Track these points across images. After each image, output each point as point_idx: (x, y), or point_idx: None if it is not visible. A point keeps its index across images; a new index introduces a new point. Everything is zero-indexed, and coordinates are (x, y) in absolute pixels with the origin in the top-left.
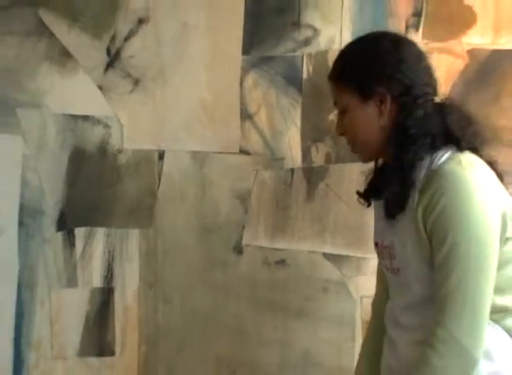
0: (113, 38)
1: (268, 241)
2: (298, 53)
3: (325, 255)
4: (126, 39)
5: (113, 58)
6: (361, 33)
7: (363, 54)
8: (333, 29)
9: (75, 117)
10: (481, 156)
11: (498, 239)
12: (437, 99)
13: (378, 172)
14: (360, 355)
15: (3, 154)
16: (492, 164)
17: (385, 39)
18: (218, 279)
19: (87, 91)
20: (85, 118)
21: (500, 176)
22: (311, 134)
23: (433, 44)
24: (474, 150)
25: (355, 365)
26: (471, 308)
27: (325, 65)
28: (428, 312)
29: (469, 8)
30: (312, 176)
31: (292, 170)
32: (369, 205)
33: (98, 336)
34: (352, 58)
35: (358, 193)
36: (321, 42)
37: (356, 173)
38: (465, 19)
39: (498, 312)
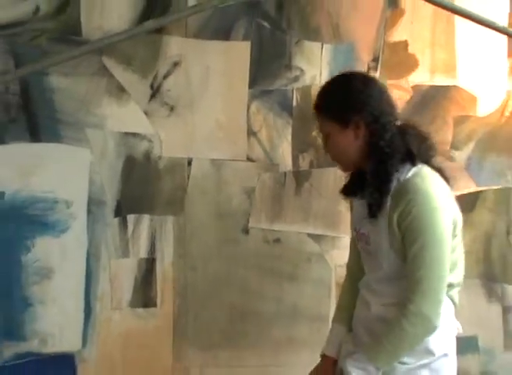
0: (155, 77)
1: (268, 224)
2: (289, 87)
3: (309, 235)
4: (165, 77)
5: (155, 92)
6: (336, 74)
7: (339, 92)
8: (315, 70)
9: (127, 134)
10: (433, 165)
11: (451, 238)
12: (398, 122)
13: (353, 178)
14: (338, 304)
15: (75, 161)
16: (441, 170)
17: (356, 79)
18: (231, 252)
19: (136, 115)
20: (135, 135)
21: (447, 179)
22: (299, 147)
23: (387, 82)
24: (428, 162)
25: (331, 314)
26: (435, 290)
27: (310, 96)
28: (395, 283)
29: (413, 56)
30: (299, 177)
31: (285, 173)
32: (346, 199)
33: (144, 293)
34: (331, 95)
35: (341, 192)
36: (307, 79)
37: (332, 176)
38: (410, 64)
39: (447, 287)
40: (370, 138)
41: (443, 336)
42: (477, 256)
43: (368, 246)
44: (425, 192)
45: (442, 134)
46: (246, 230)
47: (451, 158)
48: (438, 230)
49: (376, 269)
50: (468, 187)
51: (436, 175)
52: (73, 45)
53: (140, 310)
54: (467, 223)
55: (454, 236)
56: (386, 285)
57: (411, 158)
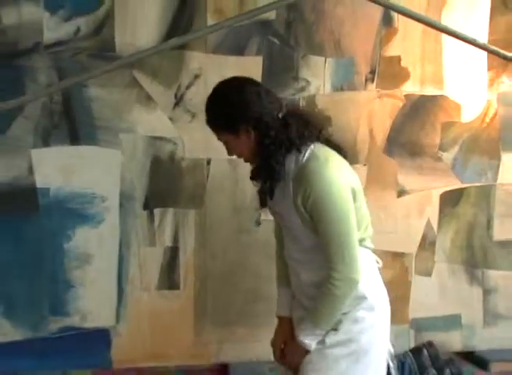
0: (178, 88)
1: None
2: (297, 96)
3: None
4: (187, 88)
5: (178, 100)
6: (337, 84)
7: (219, 107)
8: (319, 81)
9: (154, 138)
10: (323, 140)
11: (353, 206)
12: (282, 113)
13: (256, 168)
14: (277, 272)
15: (110, 162)
16: (331, 141)
17: (230, 89)
18: (245, 241)
19: (162, 121)
20: (161, 138)
21: (339, 148)
22: None
23: (383, 91)
24: (319, 139)
25: None
26: (350, 255)
27: (314, 104)
28: (314, 252)
29: (405, 69)
30: None
31: None
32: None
33: (169, 277)
34: (213, 111)
35: (250, 177)
36: (312, 89)
37: None
38: (403, 76)
39: (360, 241)
40: (259, 137)
41: (368, 279)
42: (461, 245)
43: (284, 222)
44: (321, 175)
45: (431, 138)
46: (258, 222)
47: (439, 159)
48: (338, 206)
49: (295, 242)
50: (454, 184)
51: (328, 150)
52: (108, 61)
53: (166, 292)
54: (453, 216)
55: (356, 200)
56: (307, 254)
57: (296, 146)
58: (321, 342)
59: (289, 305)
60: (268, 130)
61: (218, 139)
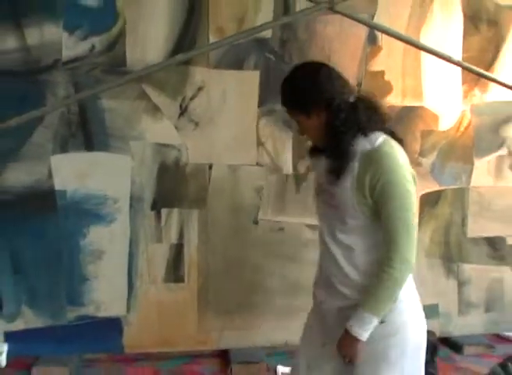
0: (183, 99)
1: (273, 216)
2: None
3: (307, 225)
4: (191, 99)
5: (183, 111)
6: None
7: (294, 90)
8: None
9: (161, 145)
10: (388, 131)
11: (415, 193)
12: (352, 97)
13: (316, 146)
14: None
15: (120, 167)
16: (394, 133)
17: (304, 73)
18: (244, 238)
19: (168, 130)
20: (167, 145)
21: (400, 140)
22: (298, 155)
23: None
24: (384, 129)
25: None
26: (411, 239)
27: None
28: (355, 234)
29: (388, 82)
30: (299, 179)
31: (287, 176)
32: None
33: (175, 271)
34: (288, 93)
35: (309, 153)
36: None
37: None
38: (386, 89)
39: None
40: (329, 119)
41: None
42: (439, 241)
43: (332, 201)
44: (394, 159)
45: (412, 145)
46: (256, 221)
47: (419, 164)
48: (407, 191)
49: (338, 222)
50: (432, 186)
51: (396, 142)
52: (120, 75)
53: (172, 285)
54: (431, 216)
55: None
56: (351, 236)
57: (363, 130)
58: (371, 334)
59: None
60: (339, 112)
61: (292, 118)
